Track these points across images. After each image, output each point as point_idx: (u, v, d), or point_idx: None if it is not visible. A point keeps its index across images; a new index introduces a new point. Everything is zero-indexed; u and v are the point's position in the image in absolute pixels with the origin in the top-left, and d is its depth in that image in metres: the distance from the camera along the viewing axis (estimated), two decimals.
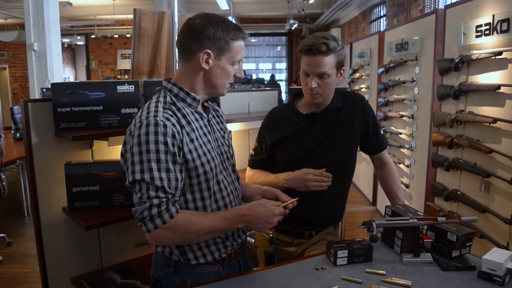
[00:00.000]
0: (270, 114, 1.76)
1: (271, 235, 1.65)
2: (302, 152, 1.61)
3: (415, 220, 1.36)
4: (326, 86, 1.57)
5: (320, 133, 1.64)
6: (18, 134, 4.89)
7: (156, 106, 1.19)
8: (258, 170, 1.74)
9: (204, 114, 1.31)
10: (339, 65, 1.57)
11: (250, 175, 1.75)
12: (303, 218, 1.64)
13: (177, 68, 2.45)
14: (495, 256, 1.22)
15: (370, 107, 1.73)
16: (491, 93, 2.16)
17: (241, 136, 2.84)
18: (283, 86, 13.11)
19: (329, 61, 1.53)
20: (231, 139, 1.44)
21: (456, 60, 2.43)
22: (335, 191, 1.68)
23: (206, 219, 1.18)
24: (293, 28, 9.92)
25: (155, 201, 1.12)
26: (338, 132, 1.65)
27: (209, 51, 1.20)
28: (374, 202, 4.64)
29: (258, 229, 1.24)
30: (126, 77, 11.46)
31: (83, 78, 12.70)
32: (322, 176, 1.55)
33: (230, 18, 1.43)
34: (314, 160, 1.57)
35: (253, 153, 1.77)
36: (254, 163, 1.76)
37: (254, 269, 1.46)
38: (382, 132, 1.81)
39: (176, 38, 1.28)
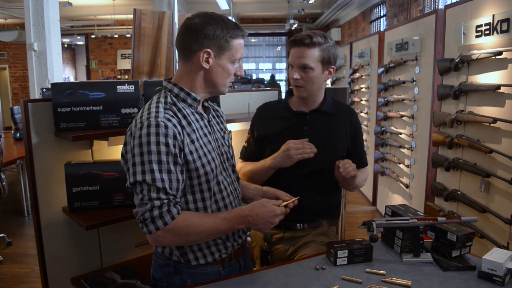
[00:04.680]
0: (262, 107, 1.77)
1: None
2: None
3: (415, 220, 1.36)
4: (309, 80, 1.57)
5: (308, 134, 1.63)
6: (18, 134, 4.89)
7: (157, 107, 1.19)
8: (248, 161, 1.73)
9: (205, 115, 1.30)
10: (326, 62, 1.57)
11: (240, 167, 1.73)
12: (292, 211, 1.62)
13: (177, 68, 2.45)
14: (495, 256, 1.22)
15: (360, 124, 1.76)
16: (491, 93, 2.16)
17: (241, 136, 2.83)
18: (283, 86, 13.11)
19: (312, 54, 1.54)
20: (231, 139, 1.44)
21: (456, 60, 2.43)
22: (322, 190, 1.67)
23: (207, 221, 1.18)
24: (293, 28, 9.90)
25: (157, 202, 1.12)
26: (327, 137, 1.65)
27: (209, 50, 1.20)
28: (374, 202, 4.64)
29: (260, 230, 1.24)
30: (126, 77, 11.45)
31: (83, 78, 12.70)
32: (303, 144, 1.55)
33: (230, 18, 1.42)
34: (301, 160, 1.56)
35: (245, 145, 1.77)
36: (246, 156, 1.75)
37: (254, 269, 1.46)
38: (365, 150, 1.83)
39: (175, 38, 1.28)
